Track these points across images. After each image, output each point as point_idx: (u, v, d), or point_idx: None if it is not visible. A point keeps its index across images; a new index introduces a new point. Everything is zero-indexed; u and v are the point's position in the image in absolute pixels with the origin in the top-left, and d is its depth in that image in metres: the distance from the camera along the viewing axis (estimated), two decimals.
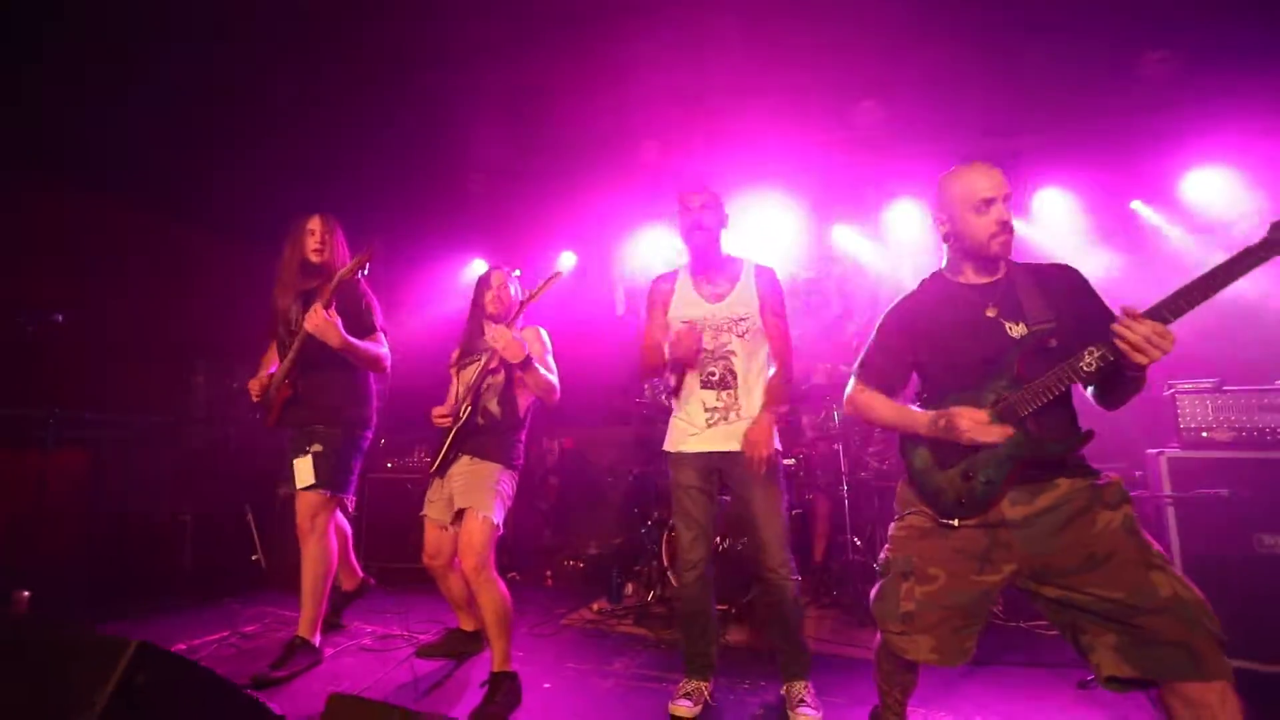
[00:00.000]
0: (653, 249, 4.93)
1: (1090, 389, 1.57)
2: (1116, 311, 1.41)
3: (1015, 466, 1.51)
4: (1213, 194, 3.37)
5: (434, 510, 2.53)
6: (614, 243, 5.09)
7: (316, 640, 2.57)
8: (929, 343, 1.68)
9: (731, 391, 2.23)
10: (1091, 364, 1.44)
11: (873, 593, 1.72)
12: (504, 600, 2.27)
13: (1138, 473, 2.82)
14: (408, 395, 4.26)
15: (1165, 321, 1.34)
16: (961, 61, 3.57)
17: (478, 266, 5.41)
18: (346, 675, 2.49)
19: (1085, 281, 1.62)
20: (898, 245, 4.36)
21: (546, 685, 2.43)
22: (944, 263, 1.77)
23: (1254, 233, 1.34)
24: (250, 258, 4.90)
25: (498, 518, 2.35)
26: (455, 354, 2.76)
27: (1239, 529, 2.41)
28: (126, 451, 4.12)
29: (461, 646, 2.73)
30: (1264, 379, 2.54)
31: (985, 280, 1.66)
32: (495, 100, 4.29)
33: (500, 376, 2.55)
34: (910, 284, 1.83)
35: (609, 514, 4.82)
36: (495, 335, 2.34)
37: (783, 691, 2.23)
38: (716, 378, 2.23)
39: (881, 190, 4.34)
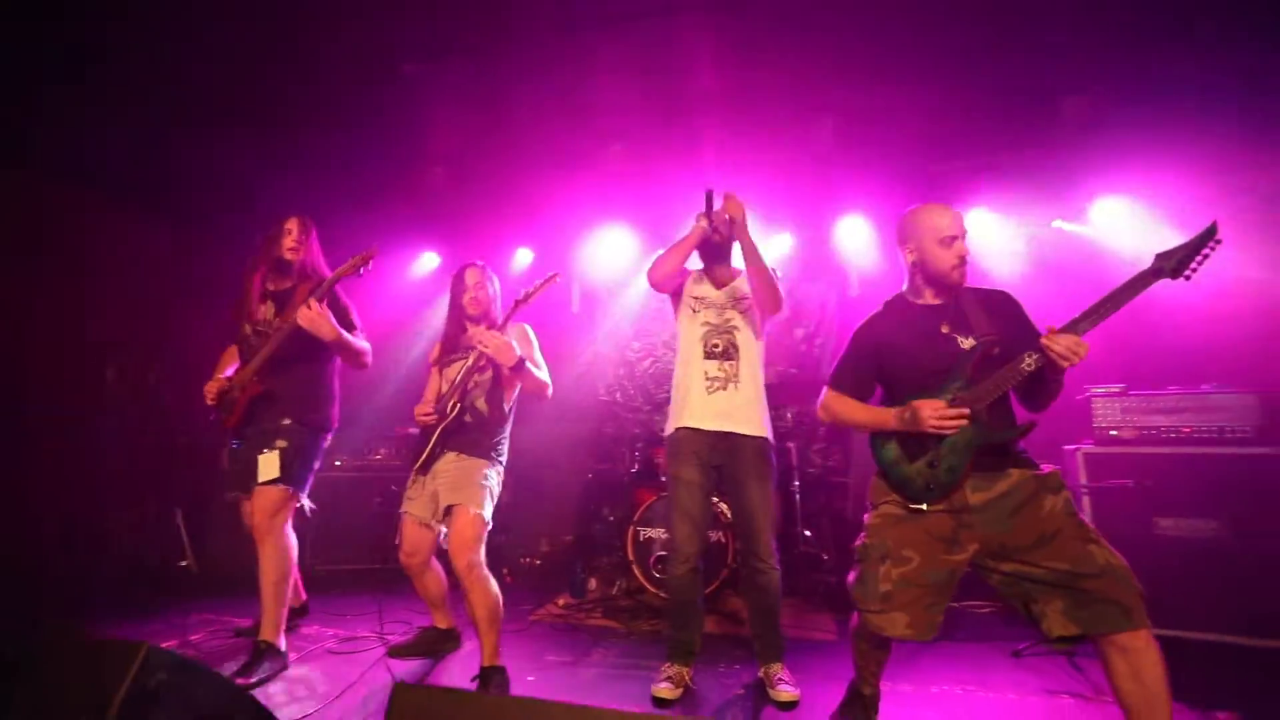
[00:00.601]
0: (611, 248, 4.99)
1: (1020, 396, 1.83)
2: (1041, 328, 1.69)
3: (973, 454, 1.73)
4: (1119, 219, 3.85)
5: (414, 507, 2.50)
6: (571, 241, 5.11)
7: (282, 644, 2.49)
8: (894, 355, 1.91)
9: (734, 363, 2.40)
10: (1030, 365, 1.69)
11: (851, 577, 1.88)
12: (495, 597, 2.29)
13: (1056, 466, 3.18)
14: (356, 392, 4.12)
15: (1079, 334, 1.62)
16: (907, 93, 3.88)
17: (428, 260, 5.29)
18: (321, 679, 2.42)
19: (1018, 304, 1.91)
20: (845, 256, 4.64)
21: (531, 678, 2.46)
22: (905, 286, 2.00)
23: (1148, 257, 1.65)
24: (172, 249, 4.59)
25: (488, 514, 2.36)
26: (436, 350, 2.74)
27: (1141, 514, 2.78)
28: (44, 453, 3.75)
29: (437, 645, 2.71)
30: (1160, 385, 2.94)
31: (940, 302, 1.91)
32: (455, 93, 4.23)
33: (487, 374, 2.55)
34: (854, 292, 2.04)
35: (560, 511, 4.84)
36: (485, 340, 2.34)
37: (760, 673, 2.38)
38: (720, 349, 2.42)
39: (831, 204, 4.60)
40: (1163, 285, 1.65)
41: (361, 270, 2.55)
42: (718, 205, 2.36)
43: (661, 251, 2.48)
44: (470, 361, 2.49)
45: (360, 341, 2.68)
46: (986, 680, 2.43)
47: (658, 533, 3.52)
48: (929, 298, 1.93)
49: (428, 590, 2.63)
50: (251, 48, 3.45)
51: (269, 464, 2.53)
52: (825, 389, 2.01)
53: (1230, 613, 2.58)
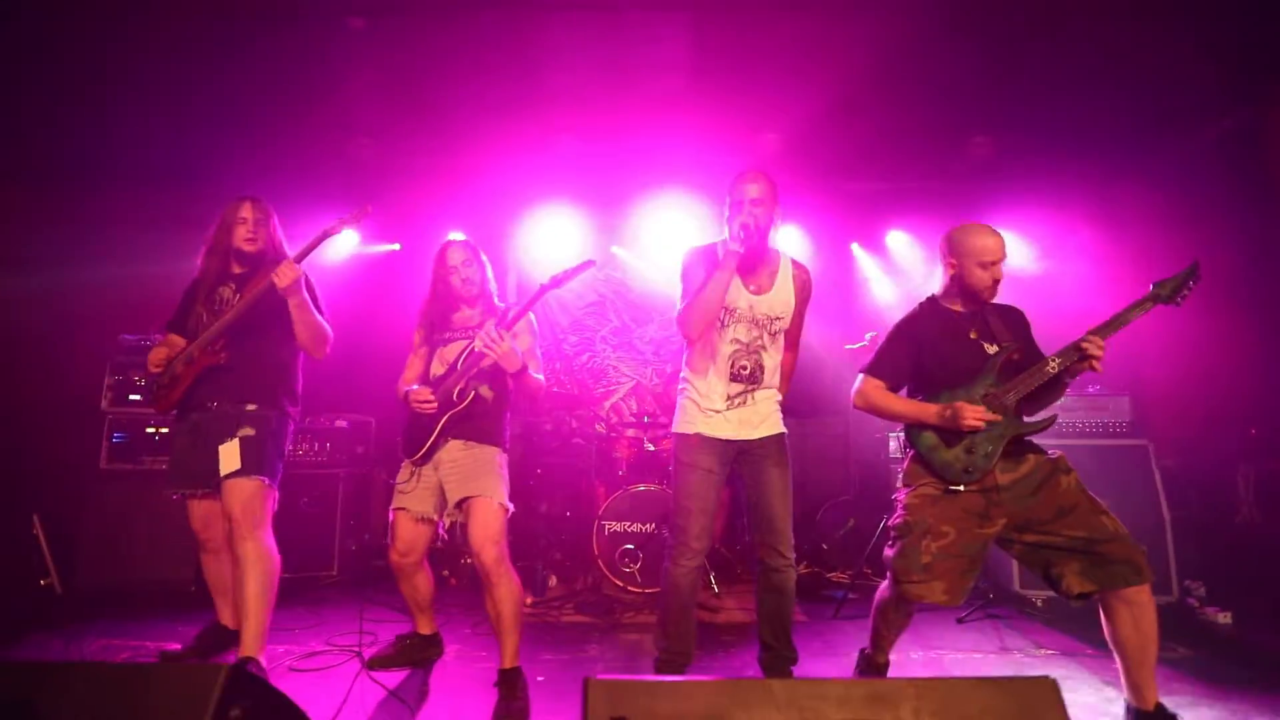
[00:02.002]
0: (550, 235, 4.86)
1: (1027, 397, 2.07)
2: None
3: (1006, 441, 1.97)
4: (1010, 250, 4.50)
5: (411, 501, 2.29)
6: (507, 226, 4.90)
7: (264, 660, 2.17)
8: (931, 353, 2.10)
9: (758, 385, 2.24)
10: (1054, 368, 1.96)
11: (891, 552, 2.04)
12: (520, 592, 2.17)
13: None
14: None
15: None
16: (842, 119, 4.24)
17: (344, 238, 4.78)
18: (302, 701, 2.11)
19: (1027, 319, 2.18)
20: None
21: (540, 678, 2.35)
22: (939, 289, 2.20)
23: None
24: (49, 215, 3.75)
25: (509, 502, 2.23)
26: (421, 331, 2.52)
27: None
28: None
29: (421, 653, 2.50)
30: None
31: (968, 310, 2.13)
32: (385, 60, 3.92)
33: (490, 358, 2.39)
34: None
35: None
36: (489, 342, 2.15)
37: None
38: (747, 372, 2.22)
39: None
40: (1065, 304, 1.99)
41: (354, 224, 2.35)
42: (741, 222, 2.06)
43: (687, 301, 2.17)
44: (477, 346, 2.31)
45: (325, 321, 2.44)
46: (950, 643, 2.75)
47: (623, 526, 3.51)
48: (959, 305, 2.13)
49: (416, 591, 2.42)
50: None
51: (229, 454, 2.20)
52: (862, 377, 2.15)
53: None
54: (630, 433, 4.07)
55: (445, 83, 4.06)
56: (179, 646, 2.47)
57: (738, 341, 2.22)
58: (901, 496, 2.09)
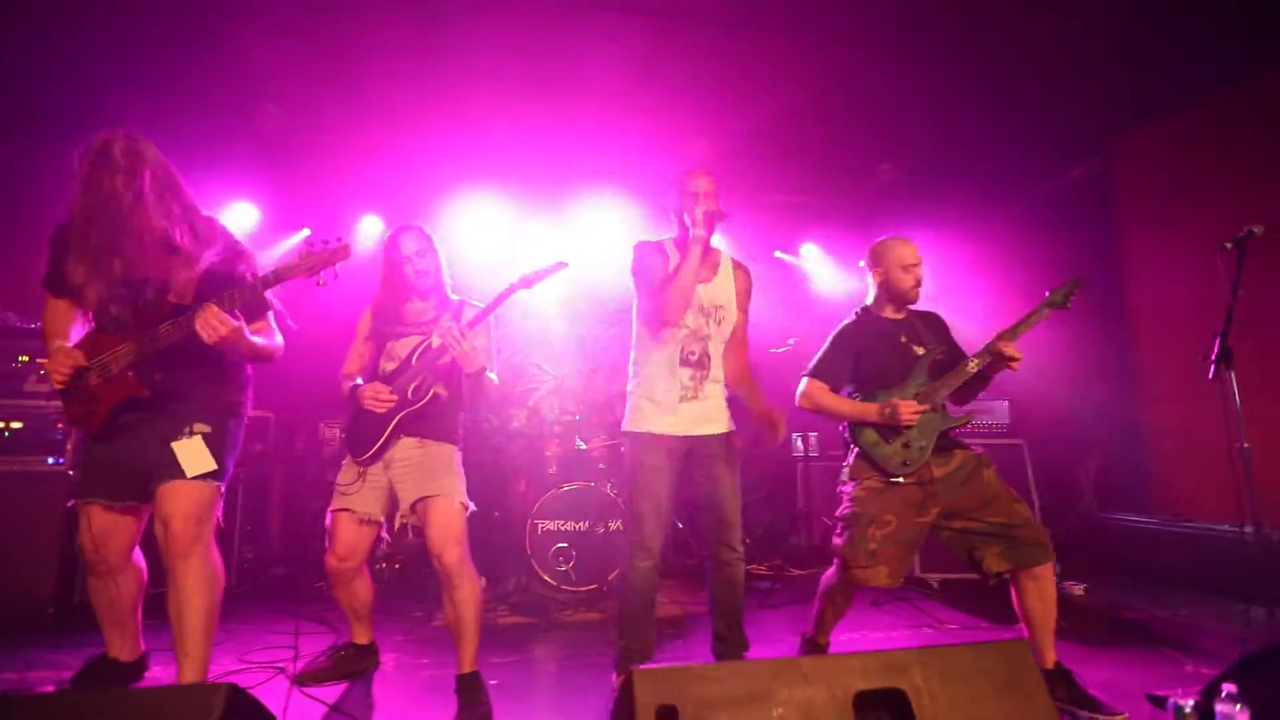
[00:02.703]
0: (475, 222, 4.69)
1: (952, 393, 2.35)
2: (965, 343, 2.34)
3: (938, 435, 2.21)
4: None
5: (357, 502, 2.16)
6: (427, 209, 4.67)
7: None
8: (866, 356, 2.32)
9: (706, 371, 2.28)
10: (974, 367, 2.23)
11: (839, 541, 2.20)
12: (481, 594, 2.10)
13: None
14: None
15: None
16: (768, 133, 4.48)
17: (244, 211, 4.34)
18: None
19: (945, 321, 2.46)
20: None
21: (494, 682, 2.28)
22: (869, 300, 2.43)
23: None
24: None
25: (469, 501, 2.15)
26: (369, 322, 2.36)
27: None
28: None
29: (357, 664, 2.35)
30: None
31: (897, 317, 2.38)
32: (303, 23, 3.65)
33: (448, 355, 2.29)
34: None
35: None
36: (453, 344, 2.07)
37: None
38: (695, 357, 2.27)
39: None
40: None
41: (321, 276, 1.85)
42: (705, 210, 2.13)
43: (658, 288, 2.19)
44: (435, 343, 2.20)
45: (271, 337, 2.05)
46: (868, 624, 2.99)
47: (557, 525, 3.48)
48: (890, 312, 2.37)
49: (355, 598, 2.27)
50: None
51: (194, 453, 1.82)
52: (806, 380, 2.31)
53: None
54: (559, 430, 4.04)
55: (369, 55, 3.83)
56: (51, 687, 2.11)
57: (686, 328, 2.28)
58: (848, 490, 2.27)
